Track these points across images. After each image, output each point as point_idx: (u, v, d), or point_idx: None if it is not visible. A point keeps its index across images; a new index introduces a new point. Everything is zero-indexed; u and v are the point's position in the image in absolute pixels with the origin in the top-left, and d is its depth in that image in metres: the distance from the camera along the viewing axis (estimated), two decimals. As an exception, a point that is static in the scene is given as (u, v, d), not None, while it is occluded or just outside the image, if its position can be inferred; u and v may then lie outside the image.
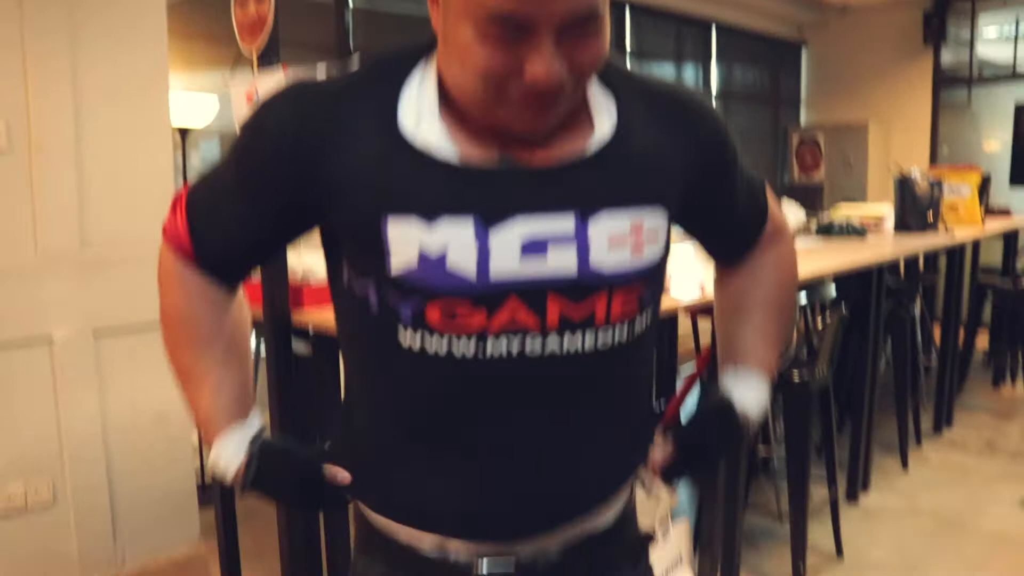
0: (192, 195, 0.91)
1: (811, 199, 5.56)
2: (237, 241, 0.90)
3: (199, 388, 0.94)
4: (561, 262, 0.79)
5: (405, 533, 0.91)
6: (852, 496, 3.38)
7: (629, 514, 0.99)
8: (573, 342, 0.81)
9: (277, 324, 1.76)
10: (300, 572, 1.99)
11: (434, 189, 0.78)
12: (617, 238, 0.81)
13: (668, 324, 2.87)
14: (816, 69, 7.34)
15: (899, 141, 6.79)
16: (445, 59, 0.79)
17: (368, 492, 0.93)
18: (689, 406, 3.15)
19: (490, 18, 0.72)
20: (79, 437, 2.66)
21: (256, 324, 1.88)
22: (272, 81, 1.76)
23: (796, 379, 2.63)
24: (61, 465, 2.63)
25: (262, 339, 2.62)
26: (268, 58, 1.83)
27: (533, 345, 0.80)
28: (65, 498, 2.65)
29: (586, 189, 0.81)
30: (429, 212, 0.77)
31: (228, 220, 0.88)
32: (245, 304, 1.01)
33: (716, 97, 6.55)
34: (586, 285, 0.80)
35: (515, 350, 0.80)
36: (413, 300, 0.79)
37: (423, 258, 0.77)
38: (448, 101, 0.81)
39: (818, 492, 3.10)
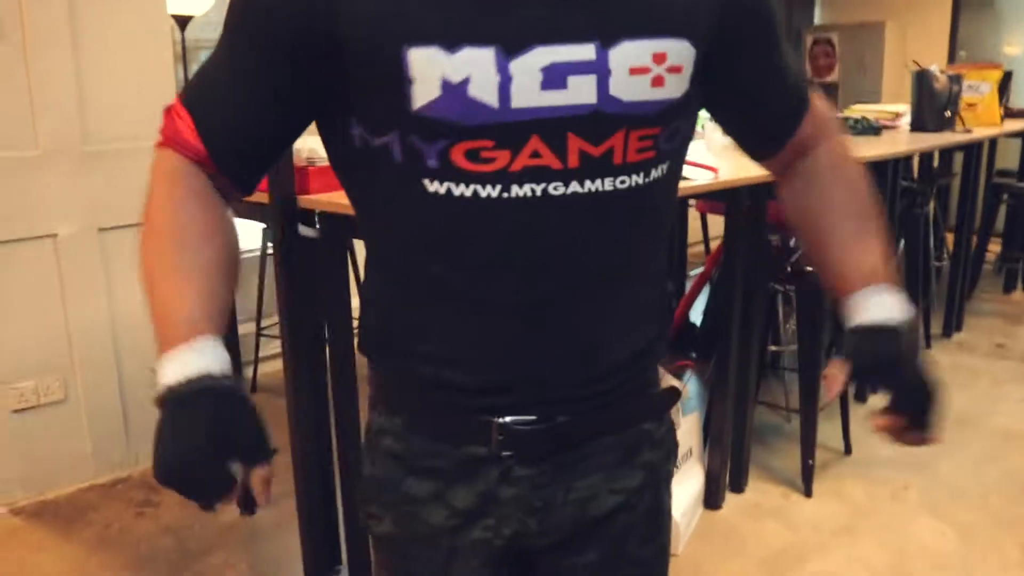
0: (187, 92, 0.85)
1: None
2: (245, 124, 0.83)
3: (175, 288, 0.85)
4: (581, 91, 0.77)
5: (425, 388, 0.89)
6: (861, 395, 3.39)
7: (653, 375, 0.98)
8: (594, 183, 0.80)
9: (283, 206, 1.74)
10: (309, 450, 2.03)
11: (455, 15, 0.74)
12: (638, 67, 0.78)
13: (678, 218, 2.83)
14: (832, -33, 7.12)
15: (916, 43, 6.60)
16: None
17: (386, 349, 0.91)
18: (700, 307, 3.14)
19: None
20: (88, 334, 2.66)
21: (262, 208, 1.85)
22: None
23: (809, 274, 2.60)
24: (71, 363, 2.64)
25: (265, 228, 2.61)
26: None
27: (556, 186, 0.79)
28: (76, 396, 2.67)
29: (606, 12, 0.77)
30: (450, 42, 0.74)
31: (233, 101, 0.82)
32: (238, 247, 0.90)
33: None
34: (604, 117, 0.78)
35: (539, 191, 0.79)
36: (439, 143, 0.76)
37: (445, 85, 0.74)
38: None
39: (828, 390, 3.10)
